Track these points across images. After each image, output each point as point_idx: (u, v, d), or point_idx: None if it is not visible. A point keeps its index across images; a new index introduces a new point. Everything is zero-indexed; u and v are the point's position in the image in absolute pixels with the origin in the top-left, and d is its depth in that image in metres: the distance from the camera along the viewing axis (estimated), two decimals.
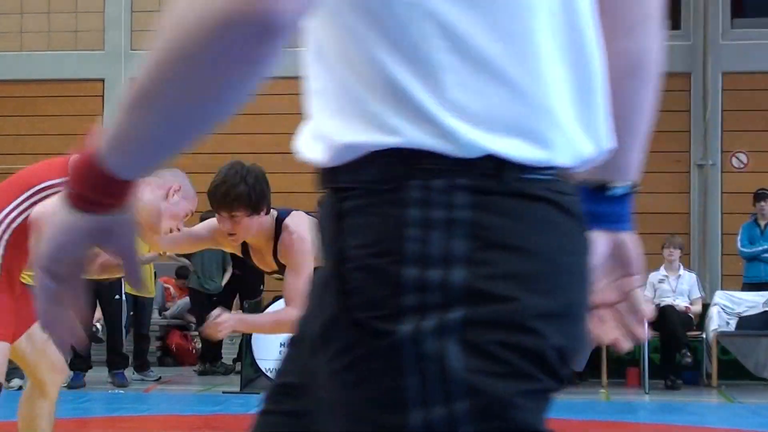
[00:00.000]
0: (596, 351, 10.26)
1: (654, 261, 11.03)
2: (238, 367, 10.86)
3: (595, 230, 1.47)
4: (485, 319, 1.18)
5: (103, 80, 13.23)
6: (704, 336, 10.65)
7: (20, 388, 7.68)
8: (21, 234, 4.12)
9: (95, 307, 9.94)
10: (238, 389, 9.70)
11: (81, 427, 7.88)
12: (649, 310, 1.58)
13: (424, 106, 1.20)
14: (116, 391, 10.00)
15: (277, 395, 1.39)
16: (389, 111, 1.21)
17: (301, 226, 4.40)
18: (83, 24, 13.44)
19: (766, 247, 10.91)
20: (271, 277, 5.29)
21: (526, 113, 1.23)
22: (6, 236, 4.16)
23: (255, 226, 4.37)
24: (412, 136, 1.20)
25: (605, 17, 1.40)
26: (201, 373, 11.33)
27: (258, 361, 9.49)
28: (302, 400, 1.33)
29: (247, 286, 11.27)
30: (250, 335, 9.33)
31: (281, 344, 8.23)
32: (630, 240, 1.54)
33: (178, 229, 4.38)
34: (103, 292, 9.81)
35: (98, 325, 10.60)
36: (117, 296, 10.11)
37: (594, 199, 1.51)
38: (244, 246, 4.58)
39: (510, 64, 1.22)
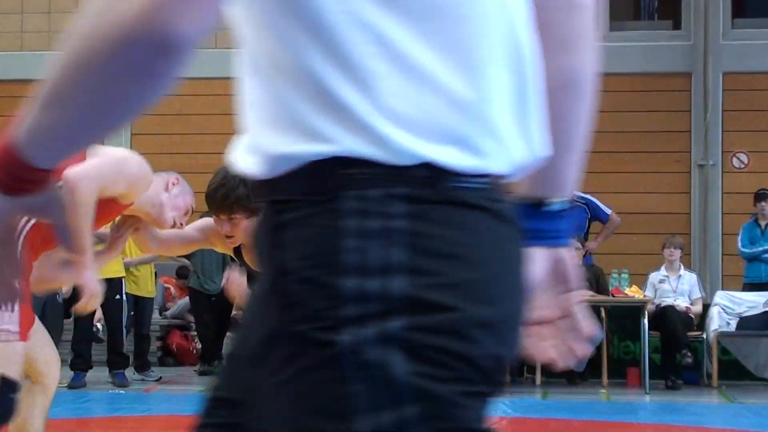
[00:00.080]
0: (597, 351, 10.27)
1: (654, 261, 11.04)
2: None
3: (534, 246, 1.49)
4: (427, 326, 1.20)
5: None
6: (705, 336, 10.64)
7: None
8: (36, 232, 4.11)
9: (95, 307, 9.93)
10: None
11: (81, 427, 7.89)
12: (590, 327, 1.56)
13: (358, 114, 1.21)
14: (117, 391, 10.00)
15: (211, 409, 1.40)
16: (324, 119, 1.22)
17: None
18: None
19: (766, 247, 10.91)
20: None
21: (461, 121, 1.24)
22: (24, 232, 4.16)
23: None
24: (347, 144, 1.21)
25: (542, 33, 1.42)
26: (201, 373, 11.32)
27: None
28: (237, 413, 1.35)
29: (247, 286, 11.26)
30: None
31: None
32: (569, 255, 1.55)
33: (182, 225, 4.38)
34: (104, 292, 9.79)
35: (99, 325, 10.61)
36: (117, 296, 10.09)
37: (532, 215, 1.52)
38: (237, 246, 4.57)
39: (445, 71, 1.23)
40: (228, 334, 11.07)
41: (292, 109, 1.23)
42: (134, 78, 1.15)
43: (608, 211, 11.03)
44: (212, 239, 4.52)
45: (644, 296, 10.54)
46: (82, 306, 4.07)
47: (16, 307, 3.96)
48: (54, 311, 8.60)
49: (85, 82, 1.16)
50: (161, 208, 4.29)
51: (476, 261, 1.23)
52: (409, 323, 1.19)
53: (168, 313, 12.73)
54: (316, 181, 1.22)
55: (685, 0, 12.69)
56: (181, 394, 9.98)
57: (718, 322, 10.57)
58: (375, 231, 1.20)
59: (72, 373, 10.01)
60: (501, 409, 8.63)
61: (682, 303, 10.62)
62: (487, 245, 1.25)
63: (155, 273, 11.15)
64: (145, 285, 10.74)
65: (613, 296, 10.44)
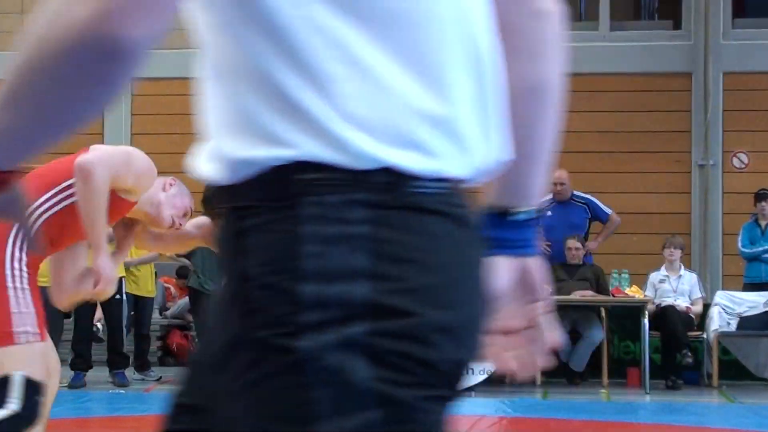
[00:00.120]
0: (597, 351, 10.27)
1: (654, 261, 11.04)
2: None
3: (500, 256, 1.49)
4: (389, 332, 1.20)
5: None
6: (705, 336, 10.65)
7: None
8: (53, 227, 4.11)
9: (95, 307, 9.94)
10: None
11: (81, 427, 7.89)
12: (555, 338, 1.55)
13: (317, 118, 1.21)
14: (117, 390, 10.00)
15: (175, 415, 1.40)
16: (284, 124, 1.22)
17: None
18: None
19: (766, 247, 10.91)
20: None
21: (420, 124, 1.24)
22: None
23: None
24: (307, 148, 1.21)
25: (507, 40, 1.42)
26: None
27: None
28: (200, 420, 1.35)
29: None
30: None
31: None
32: (535, 265, 1.54)
33: (180, 225, 4.39)
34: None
35: (99, 325, 10.61)
36: (117, 296, 10.08)
37: (498, 224, 1.52)
38: None
39: (403, 75, 1.23)
40: None
41: (252, 114, 1.23)
42: (85, 82, 1.16)
43: (608, 211, 11.02)
44: (209, 237, 4.52)
45: (644, 296, 10.54)
46: (99, 291, 4.06)
47: (32, 308, 3.94)
48: (54, 311, 8.59)
49: (39, 84, 1.17)
50: (159, 206, 4.30)
51: (435, 266, 1.23)
52: (372, 328, 1.19)
53: (168, 312, 12.73)
54: (276, 187, 1.22)
55: (686, 0, 12.69)
56: None
57: (718, 322, 10.58)
58: (334, 237, 1.20)
59: (72, 372, 10.01)
60: (501, 409, 8.63)
61: (682, 303, 10.62)
62: (446, 250, 1.25)
63: (155, 273, 11.15)
64: (145, 285, 10.74)
65: (613, 296, 10.44)
